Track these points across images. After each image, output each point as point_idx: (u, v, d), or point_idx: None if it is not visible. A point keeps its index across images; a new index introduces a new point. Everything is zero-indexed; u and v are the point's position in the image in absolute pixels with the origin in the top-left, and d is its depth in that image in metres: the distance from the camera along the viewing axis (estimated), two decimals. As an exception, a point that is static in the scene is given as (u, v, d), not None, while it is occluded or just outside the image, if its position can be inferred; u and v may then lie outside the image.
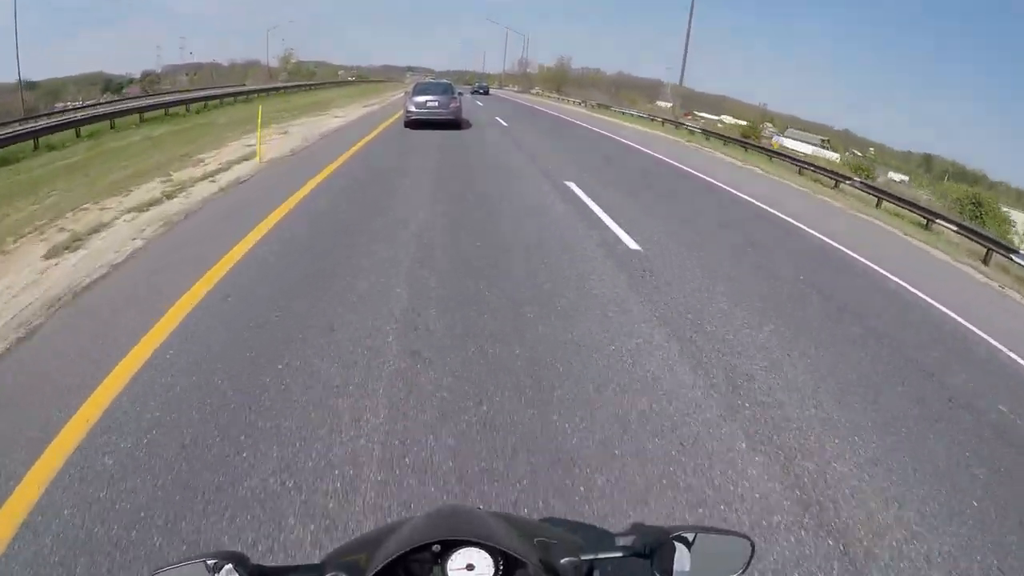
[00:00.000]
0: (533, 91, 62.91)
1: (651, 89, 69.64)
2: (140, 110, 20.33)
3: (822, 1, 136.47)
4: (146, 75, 75.34)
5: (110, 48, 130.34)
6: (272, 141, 11.49)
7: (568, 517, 2.11)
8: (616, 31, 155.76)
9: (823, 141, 58.55)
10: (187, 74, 79.30)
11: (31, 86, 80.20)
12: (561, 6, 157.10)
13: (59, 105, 42.50)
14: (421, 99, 14.10)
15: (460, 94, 16.25)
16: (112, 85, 70.76)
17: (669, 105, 65.23)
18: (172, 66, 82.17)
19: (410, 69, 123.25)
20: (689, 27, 26.16)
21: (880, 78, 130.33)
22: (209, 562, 0.65)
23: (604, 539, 1.98)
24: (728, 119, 60.94)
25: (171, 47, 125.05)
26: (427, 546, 0.65)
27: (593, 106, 39.81)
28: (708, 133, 22.95)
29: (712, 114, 66.00)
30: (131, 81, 72.49)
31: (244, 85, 44.69)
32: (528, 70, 73.36)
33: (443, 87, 15.60)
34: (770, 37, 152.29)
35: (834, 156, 49.48)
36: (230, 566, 0.65)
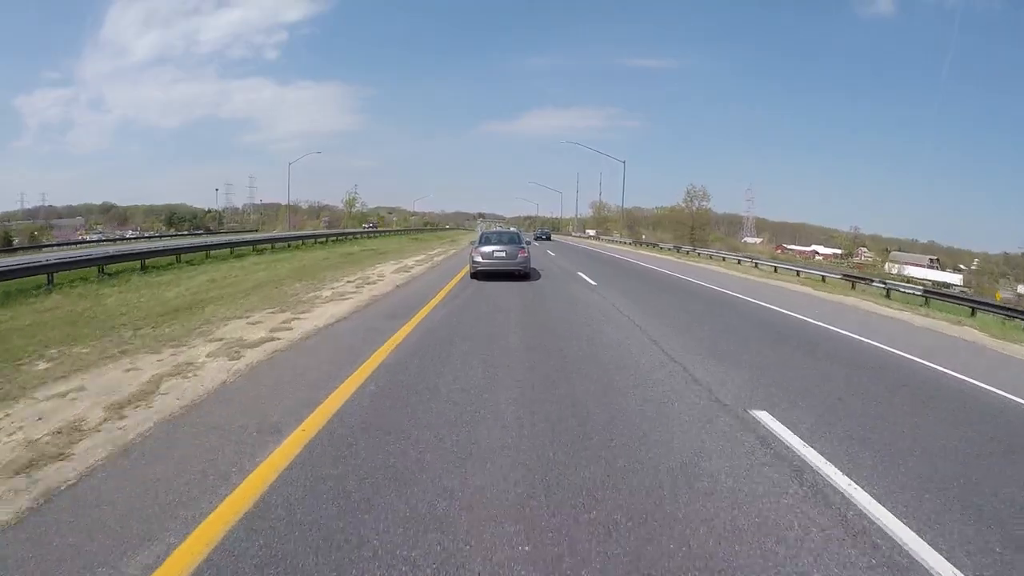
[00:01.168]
0: (663, 243, 37.50)
1: (728, 224, 69.81)
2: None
3: (880, 115, 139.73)
4: (207, 212, 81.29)
5: (209, 182, 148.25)
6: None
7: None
8: (669, 164, 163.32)
9: (932, 260, 55.39)
10: (260, 212, 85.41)
11: (107, 209, 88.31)
12: (617, 141, 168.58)
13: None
14: (487, 249, 13.80)
15: (528, 243, 15.79)
16: (176, 218, 75.05)
17: (758, 241, 64.70)
18: (252, 204, 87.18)
19: (481, 216, 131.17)
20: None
21: (950, 182, 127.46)
22: None
23: None
24: (822, 249, 59.23)
25: (261, 185, 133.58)
26: None
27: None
28: None
29: (799, 244, 64.62)
30: (195, 216, 77.67)
31: (256, 231, 45.33)
32: (604, 212, 75.17)
33: (509, 236, 15.23)
34: (831, 158, 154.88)
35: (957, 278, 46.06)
36: None
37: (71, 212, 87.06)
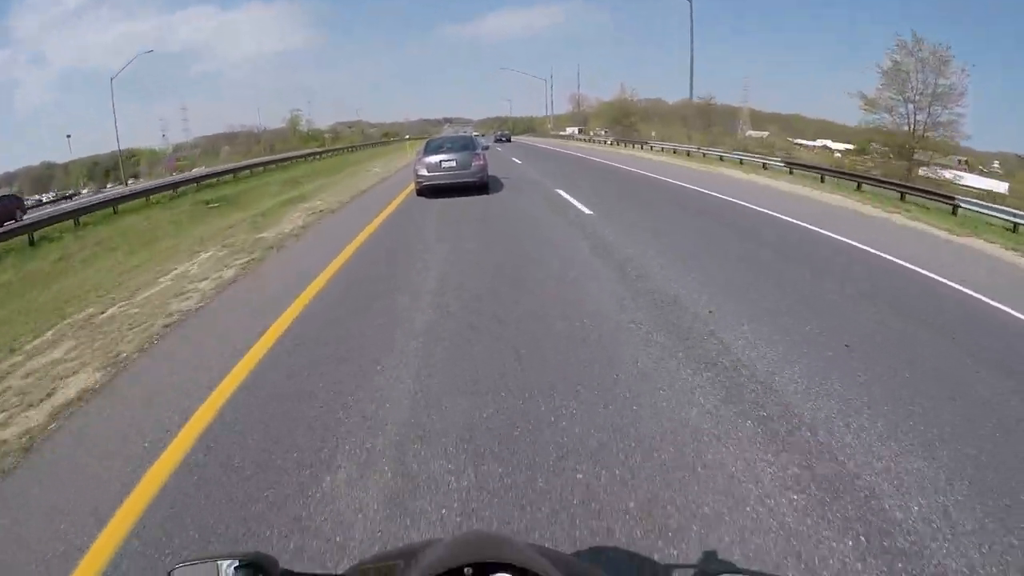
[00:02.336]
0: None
1: (724, 118, 61.20)
2: None
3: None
4: (130, 156, 74.01)
5: (151, 125, 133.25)
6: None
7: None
8: (654, 55, 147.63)
9: (960, 162, 48.62)
10: (199, 147, 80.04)
11: (46, 168, 79.79)
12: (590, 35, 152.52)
13: None
14: (434, 159, 12.10)
15: (486, 148, 14.50)
16: (97, 171, 69.26)
17: (765, 135, 57.01)
18: (205, 136, 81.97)
19: (447, 121, 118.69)
20: None
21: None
22: (225, 565, 0.68)
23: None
24: (834, 145, 52.01)
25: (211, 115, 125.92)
26: (459, 569, 0.64)
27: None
28: None
29: (804, 139, 57.12)
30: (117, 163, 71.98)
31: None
32: (584, 107, 66.14)
33: (462, 142, 13.38)
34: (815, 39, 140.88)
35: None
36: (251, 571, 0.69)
37: (8, 179, 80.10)
